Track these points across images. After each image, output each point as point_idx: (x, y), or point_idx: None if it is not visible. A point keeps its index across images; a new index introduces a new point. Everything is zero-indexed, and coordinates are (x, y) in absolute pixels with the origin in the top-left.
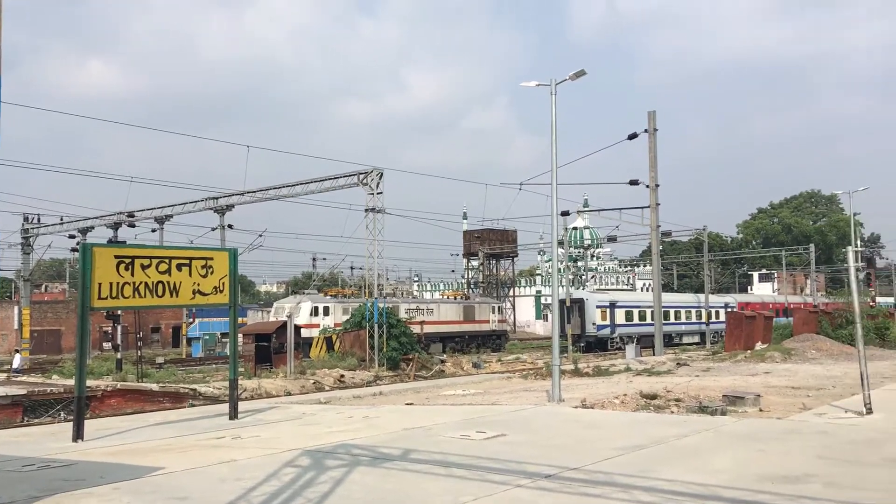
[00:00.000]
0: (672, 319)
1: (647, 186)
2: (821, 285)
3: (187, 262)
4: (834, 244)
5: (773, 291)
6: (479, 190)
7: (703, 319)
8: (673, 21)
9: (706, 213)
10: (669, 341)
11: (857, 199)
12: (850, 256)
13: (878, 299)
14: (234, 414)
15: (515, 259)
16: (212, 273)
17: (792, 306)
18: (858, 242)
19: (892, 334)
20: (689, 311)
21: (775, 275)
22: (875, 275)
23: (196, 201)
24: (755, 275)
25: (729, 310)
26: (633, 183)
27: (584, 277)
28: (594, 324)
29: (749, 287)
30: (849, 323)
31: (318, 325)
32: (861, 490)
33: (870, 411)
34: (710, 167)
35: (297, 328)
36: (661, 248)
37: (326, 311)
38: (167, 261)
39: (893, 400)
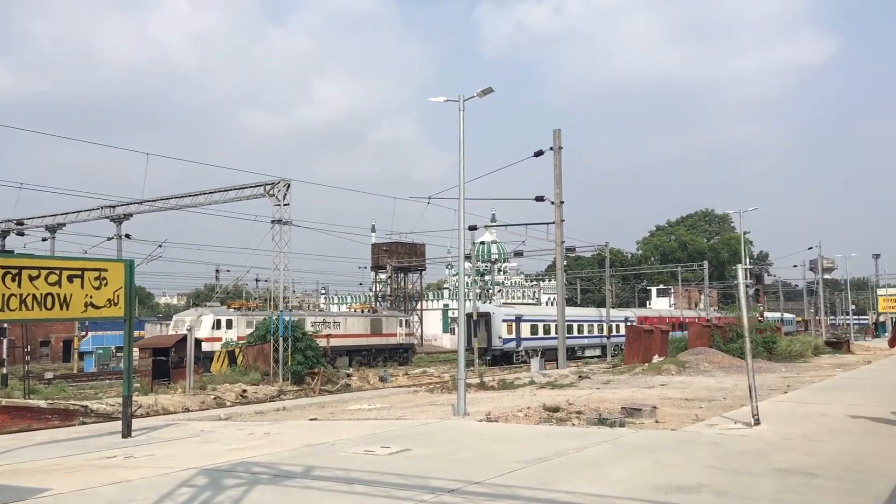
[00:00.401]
0: (575, 333)
1: (553, 203)
2: (714, 300)
3: (79, 273)
4: (726, 261)
5: (670, 306)
6: (388, 203)
7: (605, 333)
8: (576, 41)
9: (609, 230)
10: (572, 354)
11: (747, 219)
12: (740, 273)
13: (767, 314)
14: (127, 432)
15: (423, 272)
16: (106, 285)
17: (687, 320)
18: (748, 260)
19: (779, 348)
20: (592, 325)
21: (672, 290)
22: (763, 291)
23: (91, 209)
24: (653, 290)
25: (628, 324)
26: (539, 199)
27: (490, 291)
28: (500, 337)
29: (648, 302)
30: (739, 337)
31: (220, 339)
32: (749, 499)
33: (758, 422)
34: (614, 184)
35: (198, 342)
36: (565, 263)
37: (229, 324)
38: (57, 272)
39: (779, 411)
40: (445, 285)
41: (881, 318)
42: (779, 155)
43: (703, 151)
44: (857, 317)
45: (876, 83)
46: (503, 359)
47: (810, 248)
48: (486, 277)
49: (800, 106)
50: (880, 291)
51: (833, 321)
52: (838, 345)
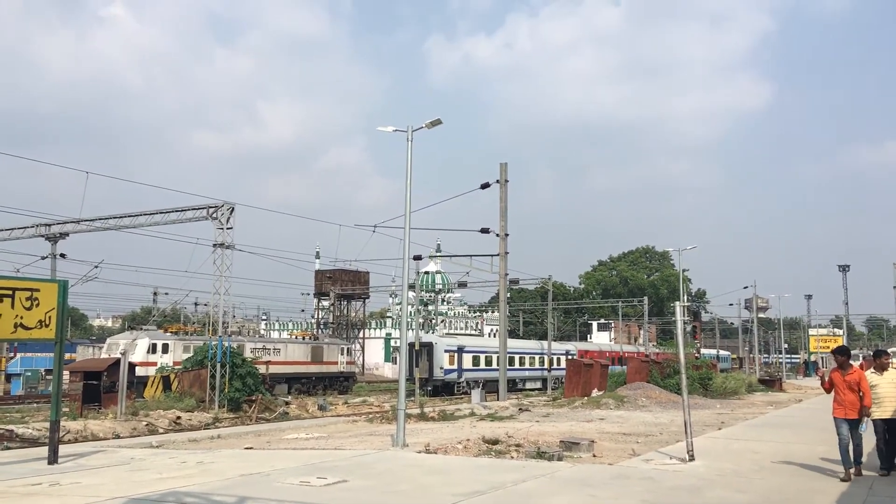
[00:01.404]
0: (517, 365)
1: (497, 235)
2: (653, 336)
3: (10, 292)
4: (665, 297)
5: (611, 340)
6: (332, 230)
7: (546, 366)
8: (523, 75)
9: (552, 263)
10: (514, 386)
11: (686, 257)
12: (678, 310)
13: (703, 351)
14: (54, 458)
15: (367, 301)
16: (37, 305)
17: (626, 355)
18: (686, 297)
19: (714, 384)
20: (534, 358)
21: (612, 325)
22: (700, 328)
23: (26, 227)
24: (594, 324)
25: (569, 357)
26: (485, 231)
27: (434, 321)
28: (442, 368)
29: (589, 336)
30: (676, 373)
31: (155, 364)
32: None
33: (692, 458)
34: (558, 217)
35: (132, 366)
36: (508, 295)
37: (165, 349)
38: None
39: (713, 447)
40: (389, 314)
41: (812, 358)
42: (715, 193)
43: (643, 185)
44: (789, 355)
45: (808, 128)
46: (444, 389)
47: (746, 287)
48: (430, 307)
49: (736, 145)
50: (811, 331)
51: (766, 359)
52: (771, 383)
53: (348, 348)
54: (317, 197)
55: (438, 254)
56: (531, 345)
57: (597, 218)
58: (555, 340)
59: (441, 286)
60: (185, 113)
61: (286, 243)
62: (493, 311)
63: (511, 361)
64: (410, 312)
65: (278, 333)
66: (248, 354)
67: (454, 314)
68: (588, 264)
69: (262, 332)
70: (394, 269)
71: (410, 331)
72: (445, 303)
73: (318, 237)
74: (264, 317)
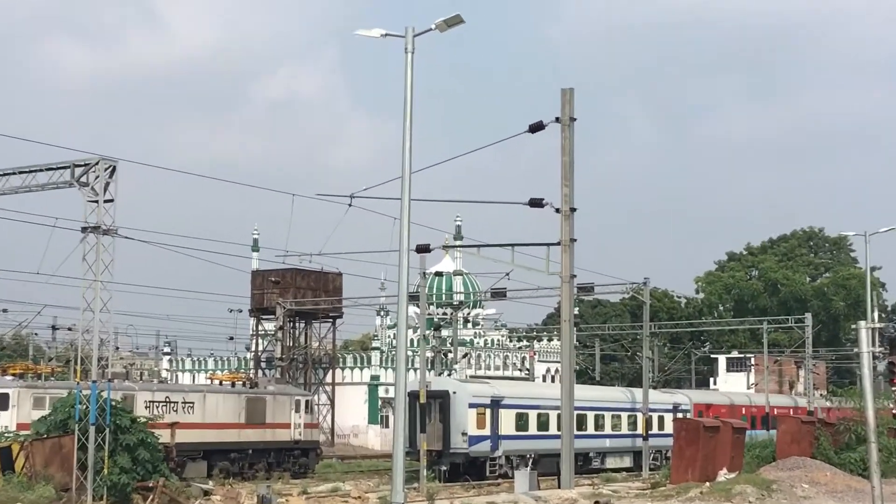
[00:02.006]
0: (592, 429)
1: (558, 211)
2: (821, 379)
3: None
4: (842, 314)
5: (749, 387)
6: (281, 203)
7: (640, 430)
8: None
9: (649, 259)
10: (586, 464)
11: (878, 246)
12: (863, 336)
13: None
14: None
15: (339, 321)
16: None
17: (776, 412)
18: (877, 314)
19: None
20: (619, 417)
21: (752, 361)
22: None
23: None
24: (721, 359)
25: (680, 415)
26: (536, 204)
27: (450, 356)
28: (465, 434)
29: (712, 378)
30: (861, 441)
31: None
32: None
33: None
34: (657, 185)
35: None
36: (577, 311)
37: (5, 403)
38: None
39: None
40: (375, 343)
41: None
42: None
43: (802, 133)
44: None
45: None
46: (470, 469)
47: None
48: (445, 333)
49: None
50: None
51: None
52: None
53: (308, 401)
54: (255, 150)
55: (458, 243)
56: (615, 395)
57: (722, 186)
58: (655, 387)
59: (463, 296)
60: (38, 12)
61: (204, 226)
62: (550, 339)
63: (581, 423)
64: (412, 341)
65: (192, 377)
66: (141, 411)
67: (485, 343)
68: (708, 260)
69: (164, 373)
70: (384, 269)
71: (411, 371)
72: (471, 324)
73: (256, 216)
74: (168, 348)
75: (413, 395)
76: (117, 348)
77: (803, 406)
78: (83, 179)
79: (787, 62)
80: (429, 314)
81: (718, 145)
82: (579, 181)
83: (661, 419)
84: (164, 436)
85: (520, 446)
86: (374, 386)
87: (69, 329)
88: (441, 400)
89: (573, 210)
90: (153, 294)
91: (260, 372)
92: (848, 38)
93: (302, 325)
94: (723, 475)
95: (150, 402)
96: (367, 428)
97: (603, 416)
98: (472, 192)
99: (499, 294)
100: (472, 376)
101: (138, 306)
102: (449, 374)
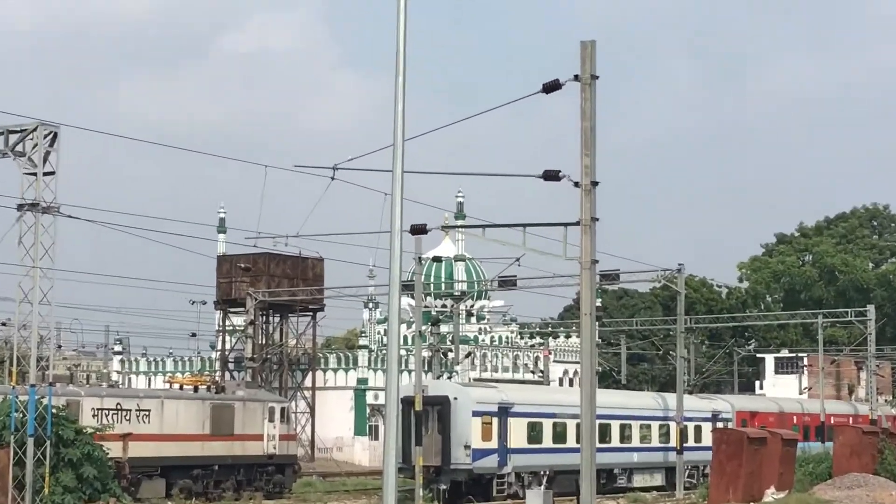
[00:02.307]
0: (616, 442)
1: (577, 185)
2: (885, 383)
3: None
4: None
5: (801, 391)
6: (252, 175)
7: (673, 443)
8: None
9: (684, 243)
10: (611, 482)
11: None
12: None
13: None
14: None
15: (320, 314)
16: None
17: (833, 421)
18: None
19: None
20: (648, 427)
21: (805, 361)
22: None
23: None
24: (769, 359)
25: (720, 424)
26: (551, 177)
27: (451, 356)
28: (468, 446)
29: (758, 381)
30: None
31: None
32: None
33: None
34: (691, 154)
35: None
36: (599, 303)
37: None
38: None
39: None
40: (363, 341)
41: None
42: None
43: (863, 87)
44: None
45: None
46: (474, 488)
47: None
48: (446, 329)
49: None
50: None
51: None
52: None
53: (284, 409)
54: (221, 111)
55: (460, 223)
56: (644, 401)
57: (770, 154)
58: (690, 392)
59: (466, 286)
60: None
61: (161, 203)
62: (568, 336)
63: (604, 434)
64: (406, 338)
65: (148, 380)
66: (87, 421)
67: (491, 341)
68: (754, 243)
69: (115, 376)
70: (372, 253)
71: (405, 374)
72: (475, 318)
73: (223, 192)
74: (119, 347)
75: (407, 402)
76: (60, 347)
77: (865, 414)
78: (19, 148)
79: (858, 5)
80: (425, 307)
81: (766, 105)
82: (602, 150)
83: (697, 429)
84: (114, 449)
85: (532, 461)
86: (361, 391)
87: (3, 324)
88: (440, 407)
89: (595, 184)
90: (101, 283)
91: (227, 374)
92: None
93: (276, 319)
94: (770, 495)
95: (98, 409)
96: (354, 440)
97: (630, 427)
98: (478, 164)
99: (508, 283)
100: (476, 379)
101: (84, 297)
102: (449, 377)
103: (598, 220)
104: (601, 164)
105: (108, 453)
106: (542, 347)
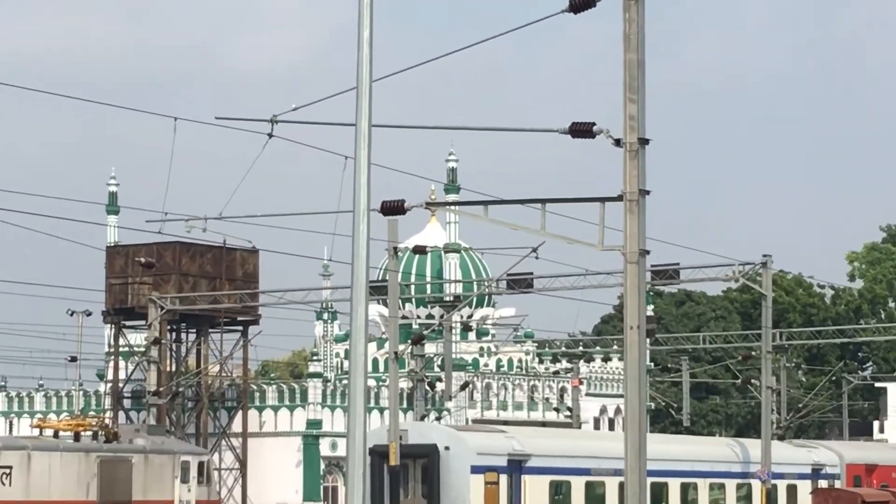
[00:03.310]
0: None
1: (618, 143)
2: None
3: None
4: None
5: None
6: (155, 133)
7: None
8: None
9: (770, 228)
10: None
11: None
12: None
13: None
14: None
15: (253, 329)
16: None
17: None
18: None
19: None
20: (721, 487)
21: None
22: None
23: None
24: (892, 389)
25: (824, 483)
26: (582, 131)
27: (439, 389)
28: None
29: (878, 421)
30: None
31: None
32: None
33: None
34: (782, 113)
35: None
36: (651, 311)
37: None
38: None
39: None
40: (315, 367)
41: None
42: None
43: None
44: None
45: None
46: None
47: None
48: (432, 348)
49: None
50: None
51: None
52: None
53: (203, 464)
54: (109, 46)
55: (451, 199)
56: (715, 451)
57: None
58: (783, 438)
59: (461, 288)
60: None
61: (26, 171)
62: (606, 359)
63: (659, 498)
64: (375, 362)
65: (8, 424)
66: None
67: (498, 366)
68: (871, 227)
69: None
70: (328, 243)
71: (375, 413)
72: (474, 334)
73: (114, 155)
74: None
75: (379, 454)
76: None
77: None
78: None
79: None
80: (404, 317)
81: (884, 37)
82: (653, 97)
83: (791, 491)
84: None
85: None
86: (312, 438)
87: None
88: (425, 461)
89: (644, 142)
90: None
91: (122, 416)
92: None
93: (192, 336)
94: None
95: None
96: None
97: (695, 488)
98: (477, 116)
99: (520, 283)
100: (476, 420)
101: None
102: (438, 419)
103: (648, 193)
104: (652, 115)
105: None
106: (569, 375)
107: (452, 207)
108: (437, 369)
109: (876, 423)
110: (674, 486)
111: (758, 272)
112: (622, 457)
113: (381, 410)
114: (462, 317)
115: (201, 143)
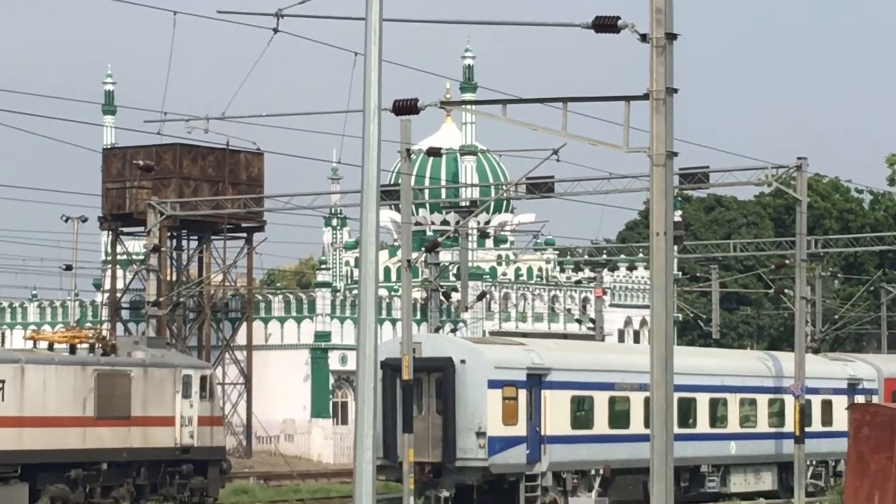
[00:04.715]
0: (704, 425)
1: (644, 38)
2: None
3: None
4: None
5: None
6: (155, 28)
7: (791, 426)
8: None
9: (804, 127)
10: (695, 485)
11: None
12: None
13: None
14: None
15: (259, 235)
16: None
17: None
18: None
19: None
20: (752, 402)
21: None
22: None
23: None
24: None
25: (860, 398)
26: (606, 26)
27: (455, 299)
28: (483, 433)
29: None
30: None
31: None
32: None
33: None
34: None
35: None
36: (678, 216)
37: None
38: None
39: None
40: (323, 276)
41: None
42: None
43: None
44: None
45: None
46: (490, 496)
47: None
48: (447, 256)
49: None
50: None
51: None
52: None
53: (206, 378)
54: None
55: (468, 98)
56: (746, 364)
57: None
58: (817, 352)
59: (478, 193)
60: None
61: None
62: (632, 268)
63: (686, 414)
64: (388, 270)
65: (0, 336)
66: None
67: (517, 275)
68: None
69: None
70: (337, 145)
71: (387, 325)
72: (491, 242)
73: (108, 52)
74: None
75: (391, 367)
76: None
77: None
78: None
79: None
80: (417, 223)
81: None
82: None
83: (826, 406)
84: None
85: (579, 455)
86: (320, 351)
87: None
88: (440, 375)
89: (672, 37)
90: None
91: (121, 327)
92: None
93: (194, 243)
94: None
95: None
96: (310, 424)
97: (725, 403)
98: (493, 9)
99: (541, 187)
100: (494, 332)
101: None
102: (454, 331)
103: (676, 91)
104: (679, 8)
105: None
106: (592, 285)
107: (469, 107)
108: (452, 278)
109: None
110: (702, 401)
111: (792, 176)
112: (648, 371)
113: (393, 322)
114: (479, 223)
115: (203, 39)
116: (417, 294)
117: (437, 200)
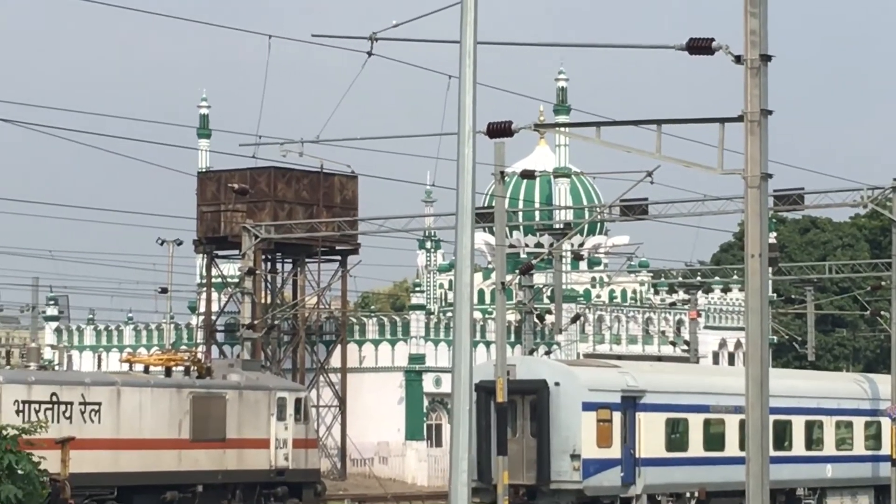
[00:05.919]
0: (799, 448)
1: (739, 60)
2: None
3: None
4: None
5: None
6: (249, 53)
7: (888, 449)
8: None
9: None
10: None
11: None
12: None
13: None
14: None
15: (353, 258)
16: None
17: None
18: None
19: None
20: (849, 425)
21: None
22: None
23: None
24: None
25: None
26: (699, 48)
27: (549, 321)
28: (577, 455)
29: None
30: None
31: None
32: None
33: None
34: None
35: None
36: (773, 238)
37: None
38: None
39: None
40: (418, 299)
41: None
42: None
43: None
44: None
45: None
46: None
47: None
48: (540, 278)
49: None
50: None
51: None
52: None
53: (301, 400)
54: None
55: (561, 119)
56: (842, 387)
57: None
58: None
59: (573, 215)
60: None
61: (111, 95)
62: (726, 290)
63: (782, 437)
64: (482, 293)
65: (96, 358)
66: (9, 418)
67: (611, 297)
68: None
69: (48, 352)
70: (431, 168)
71: (482, 347)
72: (585, 265)
73: (206, 77)
74: (54, 309)
75: (485, 390)
76: None
77: None
78: None
79: None
80: (511, 246)
81: None
82: (775, 10)
83: None
84: (49, 461)
85: (673, 477)
86: (415, 373)
87: None
88: (534, 397)
89: (766, 59)
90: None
91: (215, 350)
92: None
93: (288, 265)
94: None
95: (23, 402)
96: (405, 447)
97: (821, 425)
98: (587, 32)
99: (634, 210)
100: (588, 354)
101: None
102: (548, 353)
103: (771, 112)
104: (774, 30)
105: (39, 465)
106: (686, 307)
107: (562, 129)
108: (546, 301)
109: None
110: (798, 423)
111: (888, 196)
112: (743, 393)
113: (488, 344)
114: (573, 245)
115: (297, 63)
116: (511, 317)
117: (531, 223)
